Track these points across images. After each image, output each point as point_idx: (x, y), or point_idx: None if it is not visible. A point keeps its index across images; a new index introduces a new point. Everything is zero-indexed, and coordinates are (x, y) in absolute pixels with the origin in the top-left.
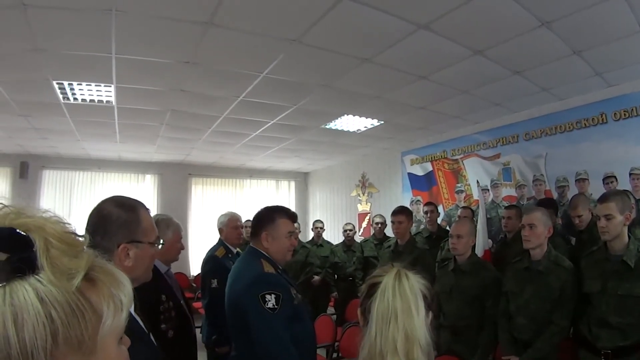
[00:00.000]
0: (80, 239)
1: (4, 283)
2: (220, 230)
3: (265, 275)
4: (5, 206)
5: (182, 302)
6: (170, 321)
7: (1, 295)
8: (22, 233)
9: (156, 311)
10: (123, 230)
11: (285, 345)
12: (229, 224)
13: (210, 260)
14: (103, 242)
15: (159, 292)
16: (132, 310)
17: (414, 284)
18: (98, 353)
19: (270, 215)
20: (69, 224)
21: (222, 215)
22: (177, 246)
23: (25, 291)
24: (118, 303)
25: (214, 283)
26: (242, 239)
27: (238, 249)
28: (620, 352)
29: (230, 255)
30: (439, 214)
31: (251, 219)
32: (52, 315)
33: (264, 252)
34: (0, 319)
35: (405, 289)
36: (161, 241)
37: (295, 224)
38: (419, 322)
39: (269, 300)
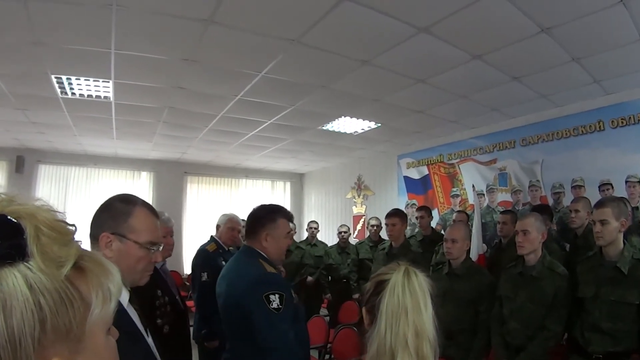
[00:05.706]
0: (70, 227)
1: None
2: (217, 227)
3: (269, 276)
4: None
5: (177, 297)
6: (166, 316)
7: None
8: (13, 220)
9: (152, 306)
10: (110, 220)
11: (291, 345)
12: (227, 223)
13: (201, 254)
14: (92, 230)
15: (154, 286)
16: (125, 305)
17: (422, 281)
18: (86, 342)
19: (271, 215)
20: (60, 212)
21: (224, 214)
22: (168, 240)
23: (15, 278)
24: (107, 292)
25: (204, 276)
26: (238, 241)
27: (231, 247)
28: (611, 357)
29: (221, 252)
30: (431, 218)
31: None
32: (40, 303)
33: (261, 252)
34: None
35: (414, 286)
36: (155, 247)
37: (291, 224)
38: (428, 318)
39: (274, 301)
